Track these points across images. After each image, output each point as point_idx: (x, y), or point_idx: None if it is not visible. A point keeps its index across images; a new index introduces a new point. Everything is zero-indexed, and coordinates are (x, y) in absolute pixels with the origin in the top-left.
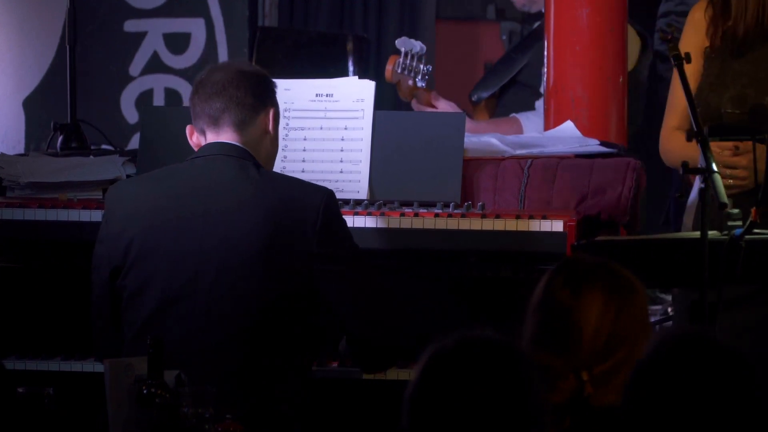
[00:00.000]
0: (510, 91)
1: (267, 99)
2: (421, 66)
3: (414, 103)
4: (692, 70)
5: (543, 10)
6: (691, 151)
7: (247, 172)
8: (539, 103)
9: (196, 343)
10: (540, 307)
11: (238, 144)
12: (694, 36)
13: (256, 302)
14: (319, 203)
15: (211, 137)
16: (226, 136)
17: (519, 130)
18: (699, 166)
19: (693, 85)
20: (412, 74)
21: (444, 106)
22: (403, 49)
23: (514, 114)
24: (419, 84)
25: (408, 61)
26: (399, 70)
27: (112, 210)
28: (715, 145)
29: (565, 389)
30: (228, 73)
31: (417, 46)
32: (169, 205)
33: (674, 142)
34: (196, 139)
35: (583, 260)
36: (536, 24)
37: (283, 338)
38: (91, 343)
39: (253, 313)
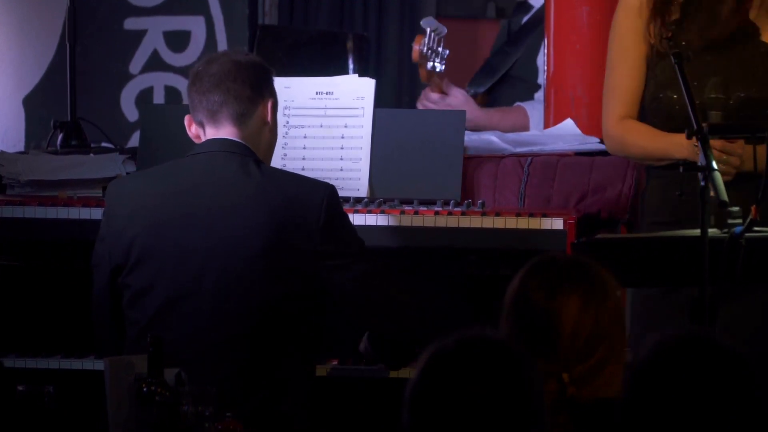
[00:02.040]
0: (505, 85)
1: (265, 90)
2: (440, 49)
3: (426, 90)
4: (635, 55)
5: (530, 0)
6: (651, 142)
7: (249, 168)
8: (539, 95)
9: (201, 342)
10: (514, 309)
11: (238, 140)
12: (636, 20)
13: (259, 301)
14: (321, 200)
15: (211, 132)
16: (225, 131)
17: (525, 119)
18: (699, 163)
19: (636, 71)
20: (434, 56)
21: (456, 92)
22: (428, 29)
23: (519, 103)
24: (439, 68)
25: (433, 43)
26: (424, 50)
27: (113, 207)
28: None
29: (547, 391)
30: (225, 66)
31: (441, 26)
32: (172, 203)
33: (633, 132)
34: (194, 131)
35: (556, 260)
36: (526, 17)
37: (288, 337)
38: (91, 340)
39: (257, 311)
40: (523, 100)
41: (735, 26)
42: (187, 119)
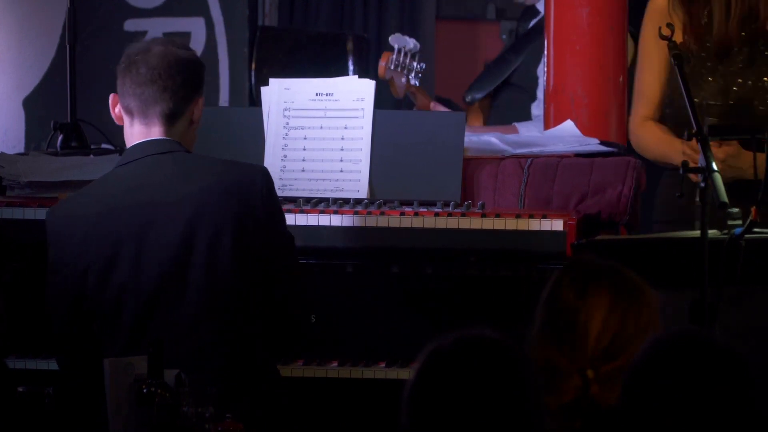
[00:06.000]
0: (504, 93)
1: (198, 89)
2: (415, 63)
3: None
4: (658, 59)
5: (537, 5)
6: (666, 145)
7: (185, 163)
8: (535, 108)
9: (181, 348)
10: (546, 305)
11: (167, 138)
12: (660, 23)
13: (230, 295)
14: (262, 183)
15: (139, 128)
16: (156, 130)
17: None
18: (699, 165)
19: (659, 74)
20: (405, 71)
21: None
22: (396, 46)
23: (514, 123)
24: (413, 82)
25: (401, 59)
26: (392, 67)
27: (58, 234)
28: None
29: (570, 388)
30: (164, 60)
31: (410, 43)
32: (119, 219)
33: (649, 135)
34: (118, 112)
35: (590, 262)
36: (531, 23)
37: (260, 333)
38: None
39: (229, 306)
40: (521, 108)
41: (747, 35)
42: (112, 98)
